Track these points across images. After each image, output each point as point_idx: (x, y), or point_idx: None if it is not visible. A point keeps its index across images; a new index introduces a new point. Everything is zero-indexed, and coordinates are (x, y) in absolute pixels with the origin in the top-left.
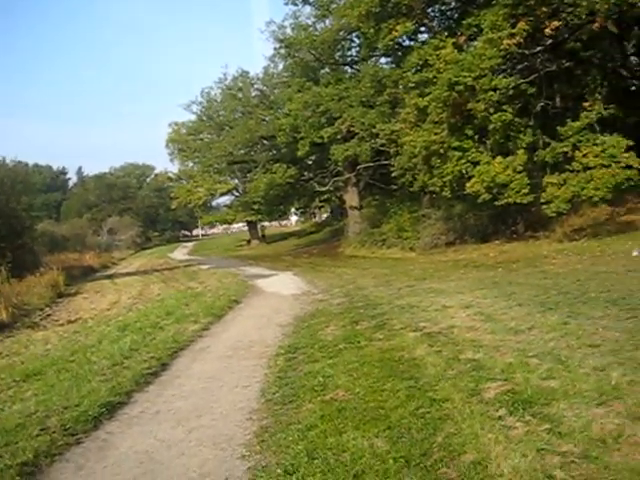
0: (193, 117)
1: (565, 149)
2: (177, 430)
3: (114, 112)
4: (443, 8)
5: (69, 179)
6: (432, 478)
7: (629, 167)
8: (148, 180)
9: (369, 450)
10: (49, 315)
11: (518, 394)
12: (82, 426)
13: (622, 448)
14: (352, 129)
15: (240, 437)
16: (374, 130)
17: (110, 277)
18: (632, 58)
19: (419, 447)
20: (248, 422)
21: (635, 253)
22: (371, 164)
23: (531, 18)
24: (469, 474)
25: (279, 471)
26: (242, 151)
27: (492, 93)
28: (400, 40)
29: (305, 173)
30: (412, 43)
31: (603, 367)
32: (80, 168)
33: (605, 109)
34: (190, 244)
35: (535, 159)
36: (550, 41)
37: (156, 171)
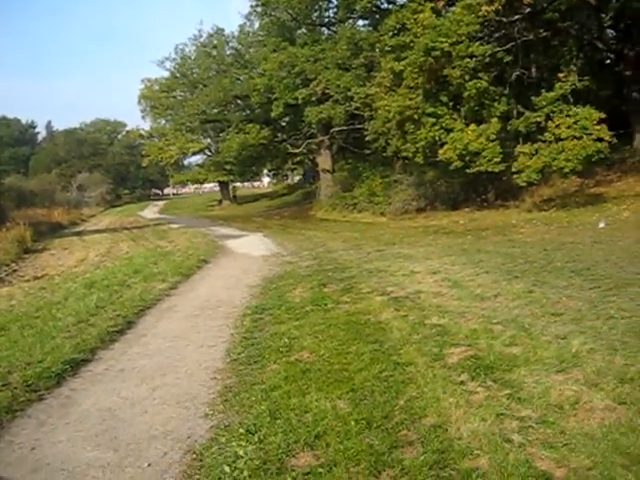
0: (166, 74)
1: (538, 119)
2: (141, 388)
3: (86, 67)
4: None
5: (38, 133)
6: (392, 440)
7: (600, 140)
8: (119, 137)
9: (331, 411)
10: (15, 271)
11: (481, 360)
12: (45, 382)
13: (578, 414)
14: (327, 91)
15: (204, 396)
16: (349, 93)
17: (79, 234)
18: (608, 31)
19: (381, 409)
20: (212, 381)
21: (601, 225)
22: (345, 128)
23: None
24: (429, 437)
25: (241, 430)
26: (215, 110)
27: (468, 60)
28: (378, 3)
29: (278, 134)
30: (390, 6)
31: (565, 335)
32: (49, 122)
33: (579, 81)
34: (161, 203)
35: (508, 128)
36: (528, 10)
37: (128, 128)
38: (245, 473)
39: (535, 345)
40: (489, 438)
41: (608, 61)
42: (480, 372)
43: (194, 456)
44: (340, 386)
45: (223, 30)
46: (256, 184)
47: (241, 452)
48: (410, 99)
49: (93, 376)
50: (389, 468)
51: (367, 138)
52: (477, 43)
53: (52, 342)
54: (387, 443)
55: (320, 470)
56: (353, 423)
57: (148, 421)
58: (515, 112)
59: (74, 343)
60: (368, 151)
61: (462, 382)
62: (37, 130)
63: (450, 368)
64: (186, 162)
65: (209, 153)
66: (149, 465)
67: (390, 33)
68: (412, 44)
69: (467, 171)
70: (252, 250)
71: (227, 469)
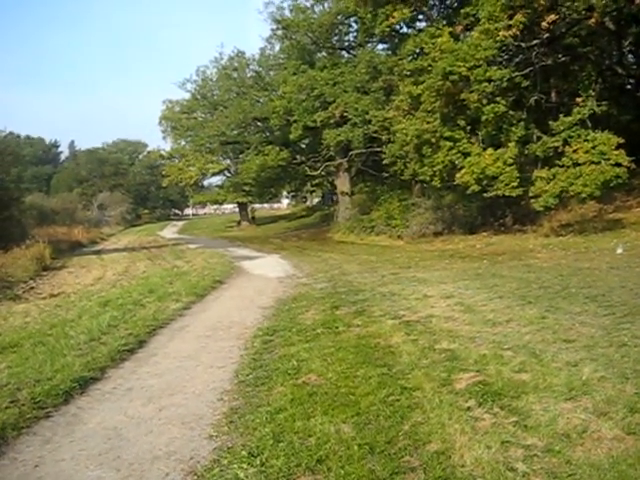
0: (187, 95)
1: (556, 144)
2: (147, 408)
3: (110, 87)
4: None
5: (61, 152)
6: (394, 466)
7: (618, 165)
8: (140, 157)
9: (335, 435)
10: (32, 288)
11: (489, 386)
12: (52, 400)
13: (585, 443)
14: (345, 114)
15: (209, 417)
16: (367, 116)
17: (97, 252)
18: (629, 56)
19: (385, 434)
20: (219, 402)
21: (619, 251)
22: (363, 150)
23: (528, 10)
24: (431, 463)
25: (244, 453)
26: (235, 131)
27: (486, 84)
28: (397, 27)
29: (297, 156)
30: (409, 30)
31: (576, 362)
32: (72, 142)
33: (598, 106)
34: (180, 223)
35: (526, 152)
36: (547, 35)
37: (149, 148)
38: None
39: (545, 372)
40: (492, 466)
41: (629, 86)
42: (487, 398)
43: (195, 477)
44: (345, 410)
45: (244, 53)
46: (275, 206)
47: (242, 475)
48: (427, 123)
49: (101, 394)
50: None
51: (385, 161)
52: (495, 68)
53: (63, 360)
54: (389, 469)
55: None
56: (356, 447)
57: (152, 441)
58: (535, 137)
59: (84, 361)
60: (386, 174)
61: (469, 408)
62: (60, 149)
63: (457, 394)
64: (206, 183)
65: (228, 174)
66: None
67: (409, 57)
68: (430, 68)
69: (484, 195)
70: (268, 271)
71: None
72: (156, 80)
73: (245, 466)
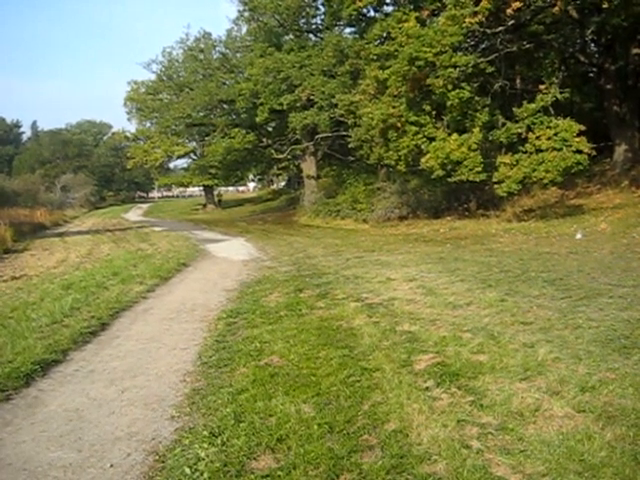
0: (153, 76)
1: (519, 130)
2: (110, 389)
3: (73, 67)
4: None
5: (23, 133)
6: (353, 444)
7: (579, 152)
8: (105, 138)
9: (295, 415)
10: None
11: (447, 367)
12: (13, 383)
13: (537, 421)
14: (312, 98)
15: (172, 398)
16: (334, 100)
17: (61, 235)
18: (591, 45)
19: (344, 414)
20: (181, 384)
21: (578, 236)
22: (330, 134)
23: None
24: (389, 442)
25: (205, 433)
26: (201, 114)
27: (452, 70)
28: (365, 10)
29: (264, 140)
30: (376, 14)
31: (532, 344)
32: (35, 122)
33: (561, 93)
34: (145, 205)
35: (491, 138)
36: (512, 22)
37: (113, 130)
38: (205, 475)
39: (502, 353)
40: (448, 444)
41: (591, 74)
42: (446, 379)
43: (157, 457)
44: (306, 390)
45: (210, 34)
46: (242, 189)
47: (203, 454)
48: (393, 107)
49: (63, 377)
50: (347, 472)
51: (351, 145)
52: (460, 54)
53: (24, 342)
54: (347, 447)
55: (279, 473)
56: (316, 427)
57: (114, 422)
58: (499, 123)
59: (46, 344)
60: (352, 158)
61: (427, 388)
62: (22, 130)
63: (417, 374)
64: (171, 165)
65: (194, 157)
66: (111, 466)
67: (375, 41)
68: (396, 53)
69: (449, 180)
70: (232, 254)
71: (188, 471)
72: (125, 62)
73: (206, 446)
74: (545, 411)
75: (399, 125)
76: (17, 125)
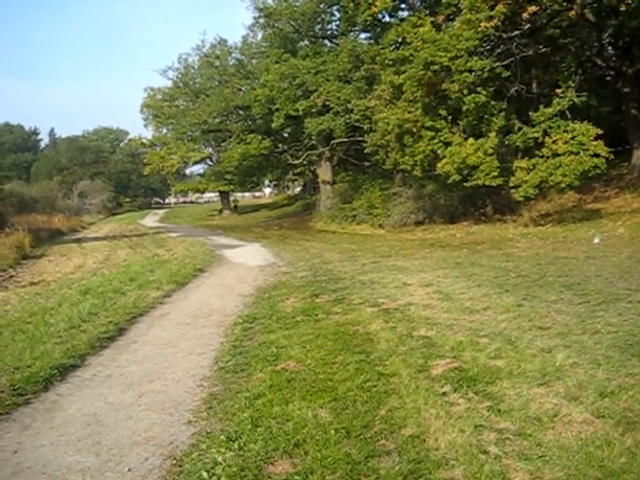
0: (169, 83)
1: (536, 134)
2: (127, 394)
3: (91, 75)
4: None
5: (41, 140)
6: (370, 449)
7: (597, 155)
8: (121, 145)
9: (312, 420)
10: (12, 276)
11: (464, 372)
12: (32, 387)
13: (556, 426)
14: (327, 103)
15: (189, 403)
16: (349, 105)
17: (78, 241)
18: (608, 48)
19: (361, 419)
20: (198, 389)
21: (596, 240)
22: (345, 139)
23: (510, 1)
24: (406, 447)
25: (222, 437)
26: (217, 120)
27: (467, 74)
28: (379, 16)
29: (279, 145)
30: (391, 20)
31: (550, 349)
32: (52, 129)
33: (577, 97)
34: (161, 211)
35: (507, 143)
36: (528, 26)
37: (130, 136)
38: (222, 479)
39: (519, 358)
40: (466, 449)
41: (608, 78)
42: (463, 384)
43: (174, 462)
44: (323, 395)
45: (226, 41)
46: (258, 194)
47: (220, 459)
48: (409, 112)
49: (81, 381)
50: (364, 477)
51: (366, 150)
52: (476, 58)
53: (42, 347)
54: (364, 452)
55: (296, 478)
56: (333, 432)
57: (132, 427)
58: (515, 127)
59: (64, 349)
60: (368, 163)
61: (444, 393)
62: (40, 137)
63: (433, 380)
64: (187, 171)
65: (210, 163)
66: (129, 470)
67: (391, 46)
68: (412, 58)
69: (465, 185)
70: (249, 260)
71: (205, 475)
72: (141, 69)
73: (223, 450)
74: (564, 416)
75: (415, 130)
76: (35, 132)
